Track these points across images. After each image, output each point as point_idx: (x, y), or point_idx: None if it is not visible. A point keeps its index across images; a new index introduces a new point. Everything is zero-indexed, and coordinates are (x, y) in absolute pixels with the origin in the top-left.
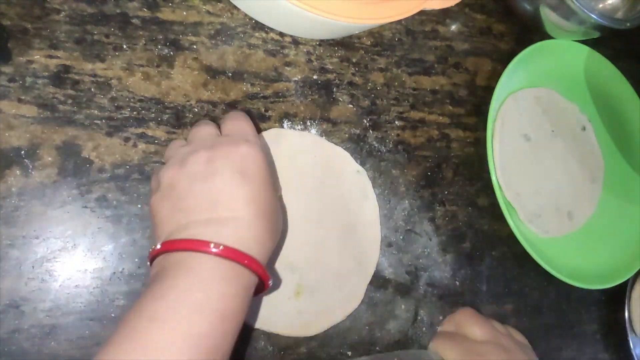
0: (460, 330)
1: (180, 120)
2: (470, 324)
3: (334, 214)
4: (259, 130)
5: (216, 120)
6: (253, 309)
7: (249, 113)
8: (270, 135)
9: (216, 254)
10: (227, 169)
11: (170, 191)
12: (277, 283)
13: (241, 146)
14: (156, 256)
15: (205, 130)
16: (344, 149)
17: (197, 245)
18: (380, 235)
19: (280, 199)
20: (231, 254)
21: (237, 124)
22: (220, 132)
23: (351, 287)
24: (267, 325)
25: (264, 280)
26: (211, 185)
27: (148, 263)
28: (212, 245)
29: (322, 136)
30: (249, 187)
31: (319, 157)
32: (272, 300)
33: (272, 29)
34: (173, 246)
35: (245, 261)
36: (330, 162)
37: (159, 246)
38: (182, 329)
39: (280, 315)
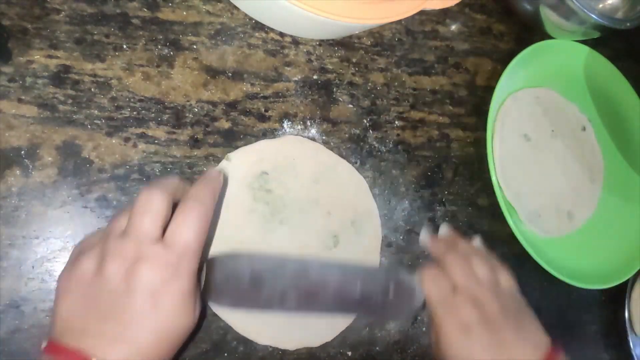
0: (441, 265)
1: (180, 120)
2: (452, 265)
3: (336, 217)
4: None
5: (217, 119)
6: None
7: (250, 113)
8: (309, 148)
9: None
10: (142, 292)
11: (79, 285)
12: None
13: (164, 272)
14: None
15: (144, 223)
16: (344, 149)
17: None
18: (381, 232)
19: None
20: None
21: (185, 220)
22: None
23: (334, 319)
24: (246, 331)
25: None
26: (122, 303)
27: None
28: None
29: (322, 136)
30: (158, 315)
31: (316, 159)
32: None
33: (272, 29)
34: (59, 351)
35: None
36: (328, 166)
37: (44, 344)
38: None
39: (270, 326)
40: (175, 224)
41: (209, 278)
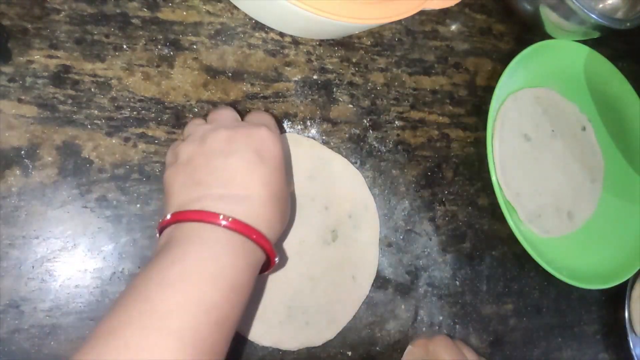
0: (430, 356)
1: (180, 120)
2: (442, 354)
3: (331, 218)
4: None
5: None
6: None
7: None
8: (305, 144)
9: (227, 227)
10: (246, 149)
11: (187, 165)
12: (283, 262)
13: (261, 130)
14: (165, 227)
15: (226, 112)
16: (344, 149)
17: (208, 217)
18: (377, 249)
19: (292, 194)
20: (242, 228)
21: (260, 116)
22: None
23: (341, 307)
24: (247, 332)
25: (271, 258)
26: (229, 163)
27: (157, 234)
28: (222, 217)
29: (322, 136)
30: (265, 169)
31: (316, 159)
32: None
33: (272, 29)
34: (184, 216)
35: (255, 236)
36: (329, 168)
37: (169, 216)
38: (193, 296)
39: (261, 322)
40: (252, 114)
41: None
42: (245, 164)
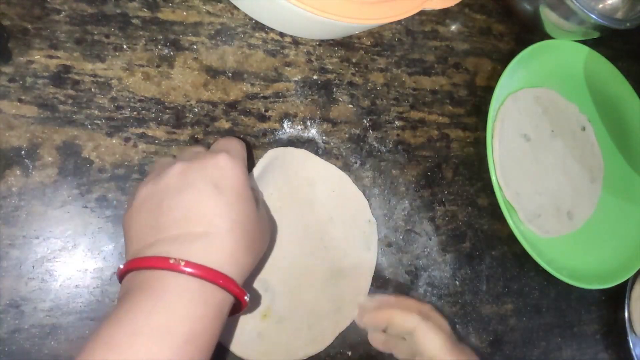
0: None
1: (180, 120)
2: (400, 320)
3: (329, 252)
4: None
5: (217, 119)
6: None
7: (250, 114)
8: (299, 155)
9: (181, 272)
10: (200, 181)
11: (142, 207)
12: (257, 302)
13: (219, 158)
14: (125, 275)
15: (191, 149)
16: (344, 149)
17: (159, 263)
18: (368, 289)
19: (267, 209)
20: (198, 272)
21: (225, 142)
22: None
23: (321, 330)
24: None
25: (240, 299)
26: (183, 199)
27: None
28: (172, 260)
29: (322, 136)
30: (222, 199)
31: (337, 194)
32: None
33: (272, 29)
34: (135, 264)
35: (213, 278)
36: (347, 204)
37: (121, 266)
38: (140, 357)
39: (237, 333)
40: (217, 142)
41: None
42: (200, 198)
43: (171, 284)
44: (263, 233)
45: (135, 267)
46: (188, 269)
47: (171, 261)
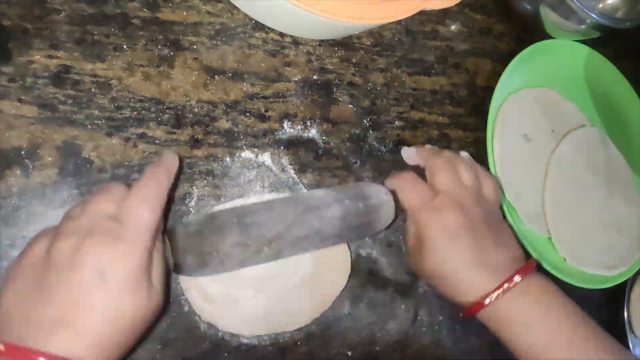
0: (428, 171)
1: (180, 120)
2: (438, 169)
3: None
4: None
5: (217, 119)
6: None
7: (250, 114)
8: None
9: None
10: (88, 266)
11: (27, 270)
12: None
13: (116, 245)
14: None
15: (102, 201)
16: (344, 149)
17: (15, 353)
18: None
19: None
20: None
21: (140, 197)
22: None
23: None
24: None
25: None
26: (67, 281)
27: None
28: (27, 349)
29: (322, 136)
30: (104, 291)
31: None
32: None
33: (272, 29)
34: None
35: None
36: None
37: None
38: None
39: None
40: (129, 200)
41: (176, 250)
42: (81, 285)
43: None
44: (149, 317)
45: None
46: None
47: (27, 350)
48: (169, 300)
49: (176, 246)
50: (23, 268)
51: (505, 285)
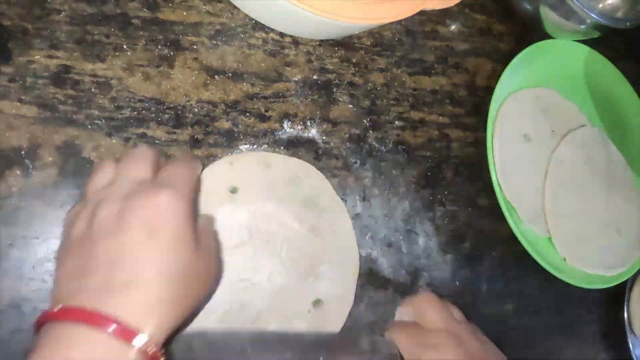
0: (417, 315)
1: (180, 120)
2: (428, 310)
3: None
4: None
5: (217, 119)
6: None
7: (250, 114)
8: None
9: (93, 327)
10: (135, 225)
11: (73, 249)
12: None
13: (159, 197)
14: (41, 326)
15: (136, 166)
16: (344, 149)
17: (74, 315)
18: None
19: (218, 248)
20: (118, 331)
21: (174, 170)
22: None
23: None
24: None
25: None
26: (114, 245)
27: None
28: (86, 312)
29: (322, 136)
30: (154, 247)
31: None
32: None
33: (272, 29)
34: (54, 317)
35: (127, 338)
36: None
37: (34, 318)
38: None
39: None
40: (166, 169)
41: None
42: (131, 245)
43: (81, 339)
44: (204, 278)
45: (55, 318)
46: (98, 324)
47: (85, 313)
48: (221, 271)
49: None
50: (71, 246)
51: None
